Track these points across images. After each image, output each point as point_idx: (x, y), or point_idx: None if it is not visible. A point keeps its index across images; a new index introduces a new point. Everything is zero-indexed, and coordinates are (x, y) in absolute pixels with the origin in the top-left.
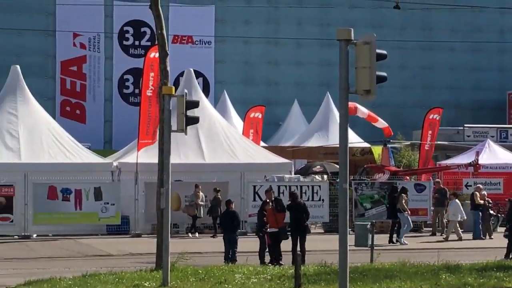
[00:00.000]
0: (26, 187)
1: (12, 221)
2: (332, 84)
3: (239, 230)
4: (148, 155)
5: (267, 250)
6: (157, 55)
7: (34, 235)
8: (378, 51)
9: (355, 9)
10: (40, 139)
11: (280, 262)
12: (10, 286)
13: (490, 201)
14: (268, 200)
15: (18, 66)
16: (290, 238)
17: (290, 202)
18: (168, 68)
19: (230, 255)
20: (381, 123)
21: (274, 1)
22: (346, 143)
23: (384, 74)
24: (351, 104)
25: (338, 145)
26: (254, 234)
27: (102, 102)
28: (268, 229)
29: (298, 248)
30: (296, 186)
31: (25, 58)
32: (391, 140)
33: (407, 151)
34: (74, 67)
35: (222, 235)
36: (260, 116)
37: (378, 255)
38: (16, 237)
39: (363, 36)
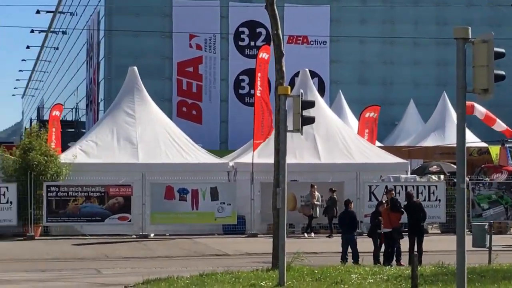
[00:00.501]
0: (143, 187)
1: (130, 221)
2: (449, 83)
3: (356, 231)
4: (264, 155)
5: (382, 250)
6: (265, 55)
7: (152, 235)
8: (496, 49)
9: (472, 7)
10: (157, 139)
11: (401, 262)
12: (129, 285)
13: None
14: (384, 201)
15: (135, 68)
16: (406, 238)
17: (406, 202)
18: (284, 68)
19: (351, 254)
20: (499, 126)
21: (389, 0)
22: (463, 143)
23: (503, 72)
24: (468, 103)
25: (455, 145)
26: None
27: (218, 102)
28: (382, 229)
29: (415, 249)
30: (412, 186)
31: (142, 60)
32: (509, 140)
33: None
34: (190, 68)
35: (340, 235)
36: (375, 116)
37: (496, 256)
38: (134, 236)
39: (480, 35)
